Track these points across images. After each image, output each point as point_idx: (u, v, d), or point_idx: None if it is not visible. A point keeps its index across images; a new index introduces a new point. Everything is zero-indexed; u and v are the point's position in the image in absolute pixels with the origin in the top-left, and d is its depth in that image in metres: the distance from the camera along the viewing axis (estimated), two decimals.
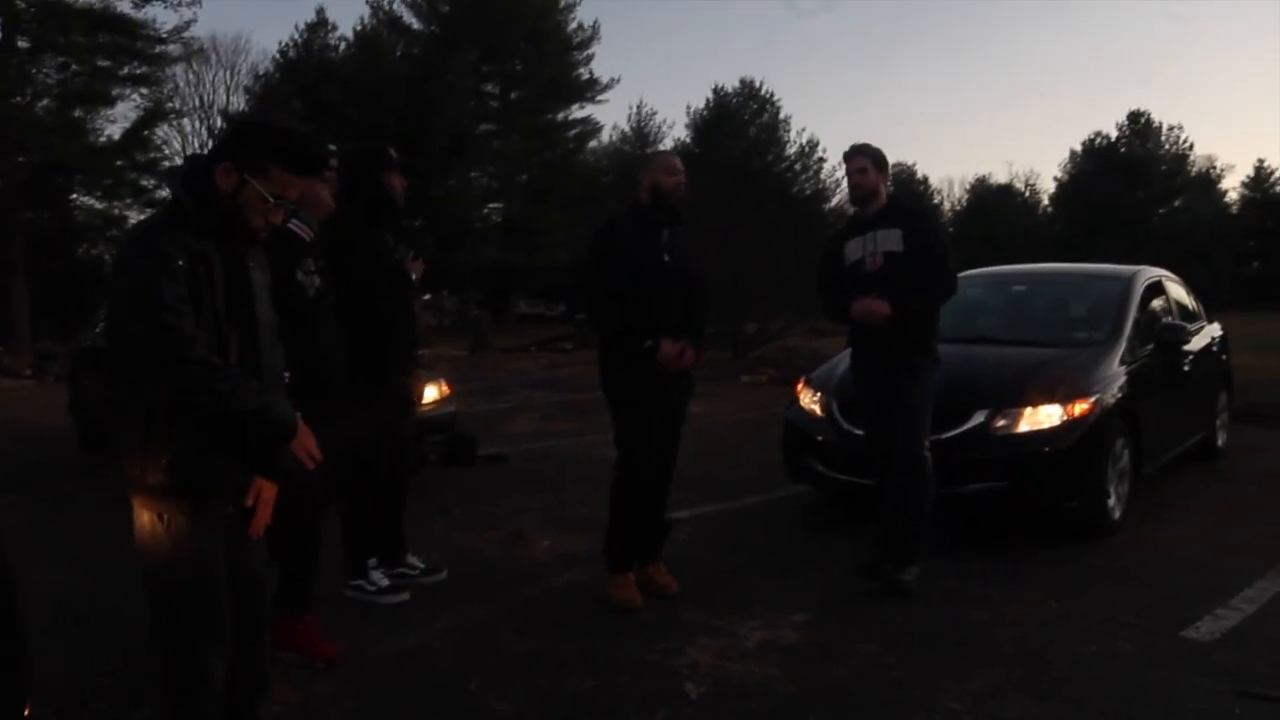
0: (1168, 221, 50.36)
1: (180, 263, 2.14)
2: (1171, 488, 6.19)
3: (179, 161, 34.86)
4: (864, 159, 4.46)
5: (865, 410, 4.65)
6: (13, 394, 15.07)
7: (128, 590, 4.16)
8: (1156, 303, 6.35)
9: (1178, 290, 6.94)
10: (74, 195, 27.21)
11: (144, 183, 27.81)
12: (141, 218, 2.27)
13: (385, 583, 4.18)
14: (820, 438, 5.46)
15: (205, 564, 2.27)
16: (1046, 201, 56.90)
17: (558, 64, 37.72)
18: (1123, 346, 5.48)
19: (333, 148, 3.87)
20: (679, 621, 3.94)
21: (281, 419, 2.29)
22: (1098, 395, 5.04)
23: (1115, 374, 5.28)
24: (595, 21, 39.07)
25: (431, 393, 6.64)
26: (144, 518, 2.27)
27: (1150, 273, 6.47)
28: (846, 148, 4.55)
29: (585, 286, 4.26)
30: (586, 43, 38.93)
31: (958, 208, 56.65)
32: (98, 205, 26.86)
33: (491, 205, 38.66)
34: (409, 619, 3.95)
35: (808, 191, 42.95)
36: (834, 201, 44.30)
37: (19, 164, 23.74)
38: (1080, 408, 4.92)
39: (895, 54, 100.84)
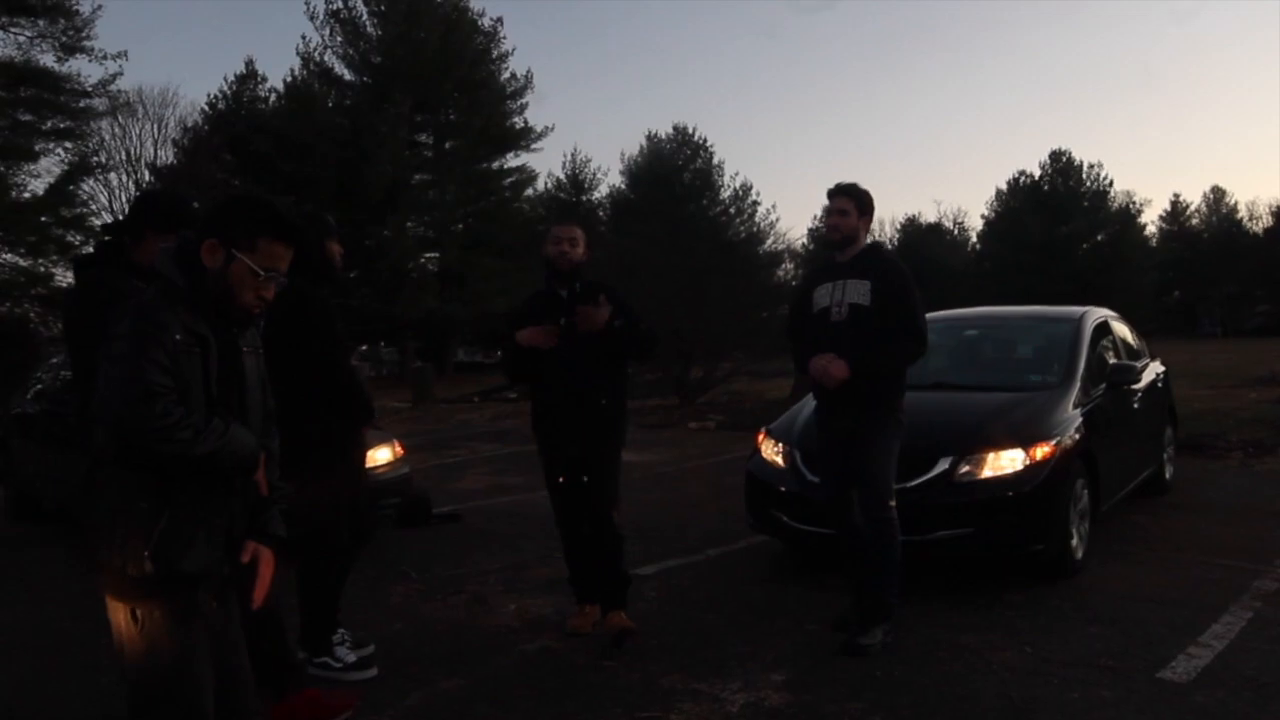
0: (1091, 255, 51.93)
1: (177, 336, 2.08)
2: (1127, 524, 6.27)
3: (106, 217, 34.29)
4: (847, 200, 4.27)
5: (824, 462, 4.59)
6: None
7: (71, 685, 3.96)
8: (1105, 343, 6.48)
9: (1123, 329, 7.09)
10: None
11: (70, 239, 27.13)
12: (147, 292, 2.24)
13: (352, 659, 4.01)
14: (783, 489, 5.41)
15: (188, 663, 2.13)
16: (975, 239, 58.40)
17: (491, 113, 37.82)
18: (1077, 388, 5.56)
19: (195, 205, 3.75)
20: (659, 686, 3.85)
21: (246, 449, 2.21)
22: (1057, 438, 5.08)
23: (1072, 416, 5.34)
24: (528, 71, 39.40)
25: (385, 454, 6.50)
26: (119, 615, 2.14)
27: (1097, 313, 6.61)
28: (831, 185, 4.36)
29: (501, 358, 4.70)
30: (520, 92, 39.18)
31: (890, 246, 57.81)
32: (22, 263, 26.01)
33: (427, 255, 38.46)
34: (378, 697, 3.79)
35: (742, 235, 43.54)
36: (767, 244, 45.15)
37: None
38: (1042, 451, 4.96)
39: (825, 97, 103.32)
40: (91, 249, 4.90)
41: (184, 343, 2.09)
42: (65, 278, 28.05)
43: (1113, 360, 6.42)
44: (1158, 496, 7.14)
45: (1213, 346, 34.65)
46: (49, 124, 26.37)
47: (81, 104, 26.64)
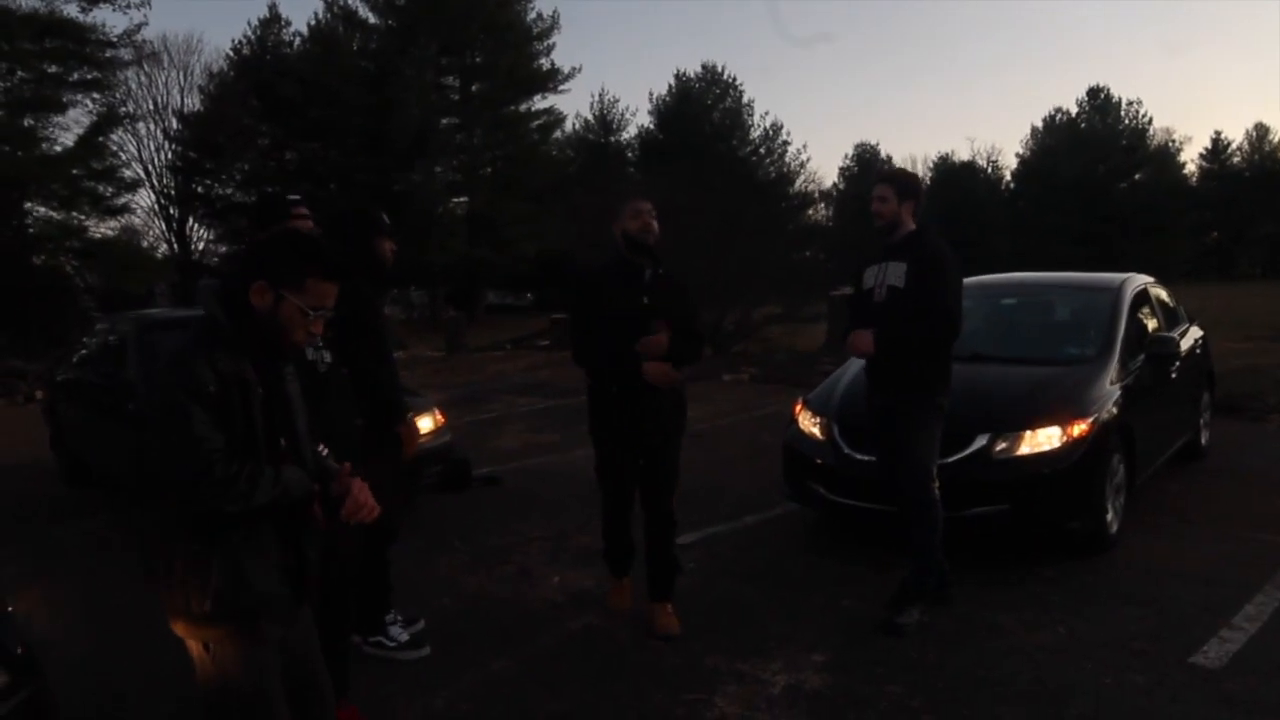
0: (1128, 195, 51.02)
1: (211, 389, 2.12)
2: (1162, 493, 6.30)
3: (136, 168, 34.51)
4: (886, 187, 4.44)
5: (876, 438, 4.65)
6: None
7: (131, 665, 4.10)
8: (1144, 311, 6.45)
9: (1162, 296, 7.04)
10: (28, 204, 26.61)
11: (101, 190, 27.31)
12: (181, 339, 2.28)
13: (405, 638, 4.16)
14: (820, 461, 5.49)
15: (261, 689, 2.25)
16: (1009, 177, 57.45)
17: (518, 55, 37.53)
18: (1115, 362, 5.56)
19: (296, 197, 3.82)
20: (703, 667, 3.98)
21: (300, 489, 2.28)
22: (1095, 414, 5.11)
23: (1110, 391, 5.35)
24: (555, 11, 39.26)
25: (427, 423, 6.62)
26: (191, 646, 2.26)
27: (1136, 281, 6.55)
28: (880, 170, 4.50)
29: (570, 333, 4.45)
30: (546, 33, 38.79)
31: (922, 186, 56.99)
32: (55, 216, 26.24)
33: (456, 199, 38.42)
34: (432, 677, 3.95)
35: (772, 175, 43.18)
36: (798, 184, 44.75)
37: None
38: (1079, 428, 4.99)
39: (856, 34, 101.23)
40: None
41: (218, 394, 2.14)
42: (99, 230, 28.39)
43: (1152, 328, 6.40)
44: (1193, 462, 7.16)
45: (1250, 289, 34.02)
46: (75, 75, 26.33)
47: (107, 54, 26.57)
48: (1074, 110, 53.45)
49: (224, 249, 37.98)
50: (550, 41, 39.12)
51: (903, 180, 4.49)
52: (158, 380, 2.22)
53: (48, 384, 9.66)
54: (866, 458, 5.12)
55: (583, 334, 4.32)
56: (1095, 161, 50.55)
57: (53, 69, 25.96)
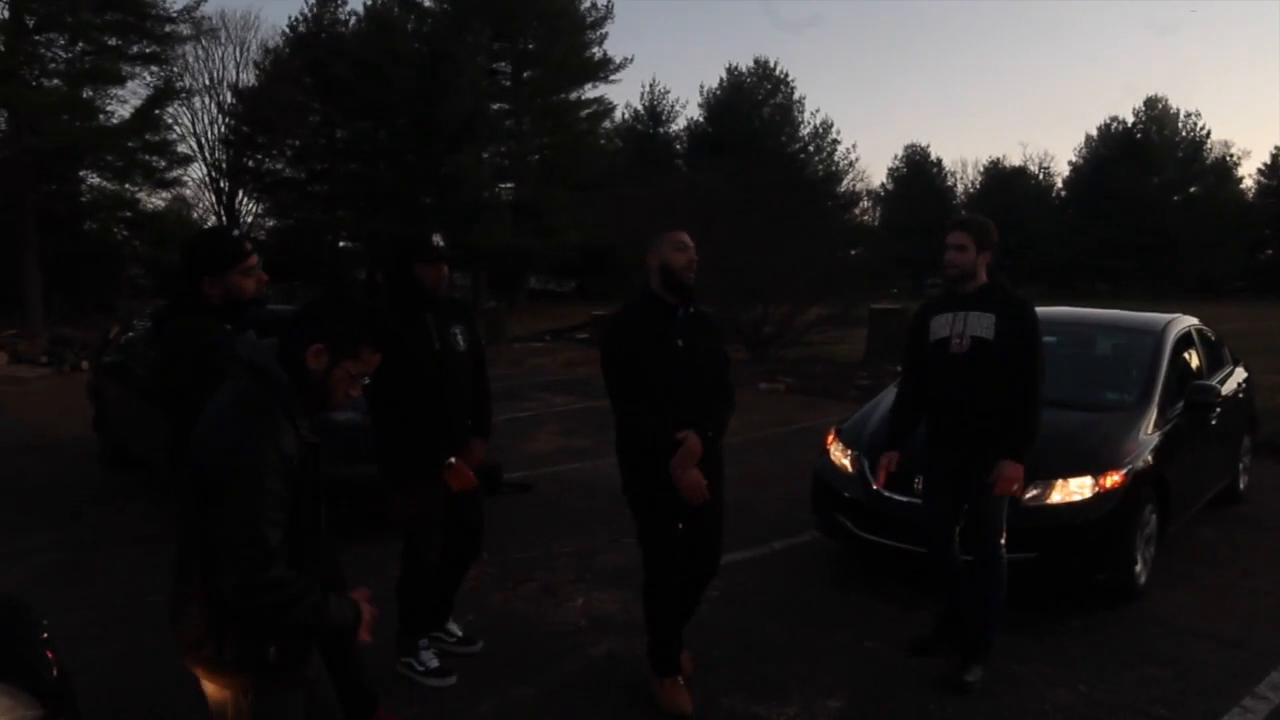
0: (1182, 209, 50.09)
1: (295, 461, 2.16)
2: (1193, 540, 6.21)
3: (191, 142, 35.03)
4: (964, 235, 4.21)
5: (933, 488, 4.49)
6: (30, 385, 15.12)
7: (167, 667, 4.14)
8: (1186, 355, 6.35)
9: (1206, 337, 6.93)
10: (83, 173, 27.14)
11: (154, 163, 27.80)
12: (240, 395, 2.20)
13: (434, 664, 4.21)
14: (849, 495, 5.49)
15: None
16: (1060, 185, 56.60)
17: (570, 43, 37.55)
18: (1154, 411, 5.48)
19: (250, 249, 3.52)
20: (719, 706, 4.00)
21: (338, 622, 2.28)
22: (1129, 465, 5.05)
23: (1146, 440, 5.28)
24: (608, 0, 38.82)
25: None
26: (215, 691, 2.32)
27: (1181, 324, 6.45)
28: (953, 217, 4.31)
29: (609, 388, 3.96)
30: (599, 22, 38.77)
31: (971, 190, 56.38)
32: (109, 186, 26.79)
33: (503, 185, 38.56)
34: (453, 702, 4.01)
35: (820, 173, 42.92)
36: (845, 183, 44.44)
37: (30, 144, 23.57)
38: (1113, 479, 4.94)
39: (911, 35, 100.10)
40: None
41: (298, 464, 2.17)
42: (151, 201, 28.94)
43: (1194, 371, 6.31)
44: (1228, 507, 7.04)
45: None
46: (135, 49, 26.80)
47: (167, 29, 27.00)
48: (1130, 120, 52.57)
49: (271, 223, 38.57)
50: (603, 31, 39.16)
51: (982, 230, 4.25)
52: (235, 449, 2.13)
53: (94, 365, 9.87)
54: (897, 497, 5.11)
55: (611, 385, 3.89)
56: (1150, 173, 49.69)
57: (113, 42, 26.45)
